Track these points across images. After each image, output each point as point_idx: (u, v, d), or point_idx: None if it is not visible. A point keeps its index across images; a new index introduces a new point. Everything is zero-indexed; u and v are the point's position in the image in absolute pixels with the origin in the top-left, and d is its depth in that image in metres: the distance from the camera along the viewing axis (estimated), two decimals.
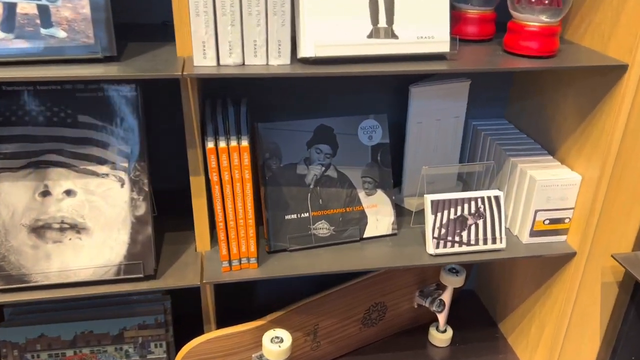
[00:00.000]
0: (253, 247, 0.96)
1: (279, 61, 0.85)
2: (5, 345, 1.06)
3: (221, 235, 0.94)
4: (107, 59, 0.84)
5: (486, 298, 1.43)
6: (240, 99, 1.05)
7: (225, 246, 0.95)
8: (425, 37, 0.87)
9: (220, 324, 1.06)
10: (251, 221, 0.94)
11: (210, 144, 0.89)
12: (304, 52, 0.85)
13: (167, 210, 1.14)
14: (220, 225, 0.94)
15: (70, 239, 0.91)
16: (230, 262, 0.97)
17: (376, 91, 1.19)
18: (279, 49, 0.84)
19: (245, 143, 0.90)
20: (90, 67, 0.80)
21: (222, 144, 0.89)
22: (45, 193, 0.90)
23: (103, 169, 0.91)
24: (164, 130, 1.15)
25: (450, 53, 0.90)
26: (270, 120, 1.11)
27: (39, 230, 0.90)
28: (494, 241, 1.04)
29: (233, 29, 0.82)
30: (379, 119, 1.06)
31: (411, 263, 1.01)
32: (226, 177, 0.91)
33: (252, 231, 0.95)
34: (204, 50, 0.82)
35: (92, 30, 0.81)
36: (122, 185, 0.92)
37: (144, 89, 0.92)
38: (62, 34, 0.80)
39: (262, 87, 1.15)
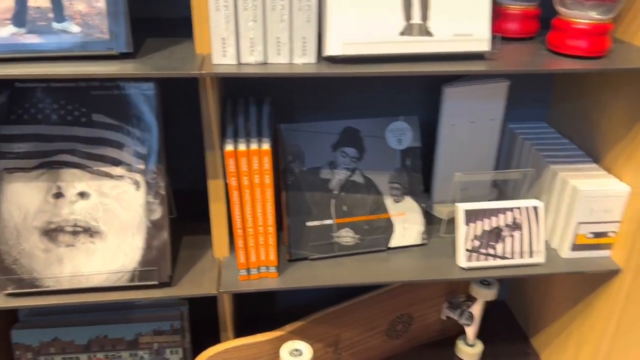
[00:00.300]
0: (273, 256, 0.91)
1: (303, 60, 0.79)
2: (19, 347, 1.04)
3: (239, 242, 0.89)
4: (124, 55, 0.79)
5: (518, 310, 1.35)
6: (263, 98, 0.99)
7: (244, 254, 0.90)
8: (463, 35, 0.81)
9: (239, 331, 1.02)
10: (271, 228, 0.89)
11: (229, 147, 0.84)
12: (330, 50, 0.79)
13: (187, 211, 1.10)
14: (238, 232, 0.89)
15: (83, 243, 0.87)
16: (248, 270, 0.92)
17: (406, 91, 1.13)
18: (304, 46, 0.78)
19: (266, 146, 0.84)
20: (103, 64, 0.76)
21: (242, 147, 0.84)
22: (58, 195, 0.86)
23: (118, 170, 0.87)
24: (185, 127, 1.11)
25: (490, 52, 0.83)
26: (294, 121, 1.06)
27: (51, 233, 0.87)
28: (531, 255, 0.97)
29: (255, 25, 0.76)
30: (409, 120, 1.00)
31: (441, 277, 0.94)
32: (245, 181, 0.85)
33: (272, 239, 0.90)
34: (224, 47, 0.77)
35: (107, 25, 0.76)
36: (138, 188, 0.87)
37: (162, 87, 0.88)
38: (75, 28, 0.76)
39: (286, 85, 1.10)
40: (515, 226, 0.97)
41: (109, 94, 0.85)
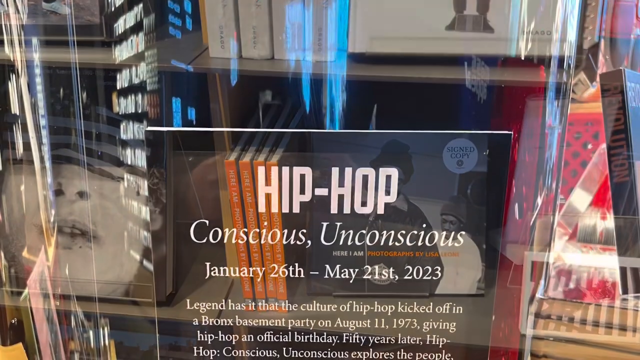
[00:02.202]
0: (282, 288, 0.77)
1: (318, 56, 0.63)
2: None
3: (242, 268, 0.76)
4: (120, 42, 0.69)
5: None
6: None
7: (249, 281, 0.77)
8: (536, 33, 0.59)
9: None
10: (280, 256, 0.75)
11: (231, 157, 0.70)
12: (354, 45, 0.62)
13: None
14: (241, 255, 0.75)
15: (80, 247, 0.80)
16: (254, 300, 0.78)
17: (474, 98, 0.90)
18: (320, 39, 0.62)
19: (274, 159, 0.70)
20: (86, 51, 0.66)
21: (246, 158, 0.70)
22: (58, 192, 0.79)
23: (119, 171, 0.78)
24: None
25: (579, 59, 0.60)
26: (334, 127, 0.90)
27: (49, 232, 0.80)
28: (623, 331, 0.72)
29: (259, 11, 0.61)
30: (475, 138, 0.79)
31: (493, 343, 0.74)
32: (249, 199, 0.72)
33: (281, 269, 0.75)
34: (222, 37, 0.63)
35: (98, 7, 0.66)
36: (138, 192, 0.78)
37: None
38: (65, 9, 0.67)
39: None
40: (605, 291, 0.72)
41: (113, 85, 0.76)
